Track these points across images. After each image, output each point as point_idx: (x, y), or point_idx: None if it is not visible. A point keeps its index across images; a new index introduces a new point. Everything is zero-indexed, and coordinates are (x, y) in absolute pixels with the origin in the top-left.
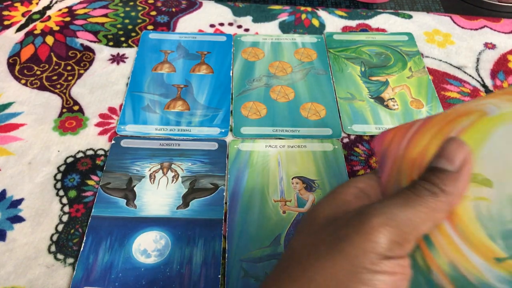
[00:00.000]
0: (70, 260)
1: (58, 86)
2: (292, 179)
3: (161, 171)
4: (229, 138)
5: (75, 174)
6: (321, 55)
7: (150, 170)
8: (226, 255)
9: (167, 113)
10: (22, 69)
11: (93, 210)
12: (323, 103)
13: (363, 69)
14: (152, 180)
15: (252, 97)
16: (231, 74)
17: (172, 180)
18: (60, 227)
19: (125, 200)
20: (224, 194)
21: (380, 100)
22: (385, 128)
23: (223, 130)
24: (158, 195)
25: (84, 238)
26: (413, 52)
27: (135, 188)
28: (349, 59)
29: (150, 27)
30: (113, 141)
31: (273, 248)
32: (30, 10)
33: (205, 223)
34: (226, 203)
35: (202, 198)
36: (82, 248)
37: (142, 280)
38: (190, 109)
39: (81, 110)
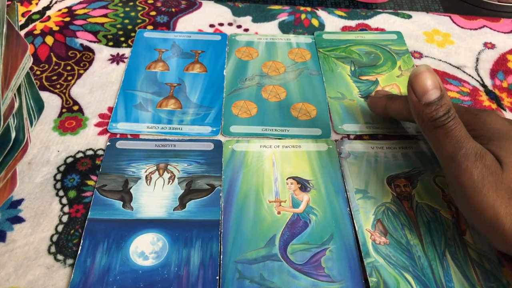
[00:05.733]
0: (70, 261)
1: (58, 86)
2: (287, 179)
3: (157, 172)
4: (224, 138)
5: (75, 174)
6: (314, 56)
7: (146, 171)
8: (221, 256)
9: (159, 111)
10: None
11: (89, 212)
12: (314, 104)
13: (353, 68)
14: (148, 181)
15: (243, 96)
16: (224, 73)
17: (168, 182)
18: (60, 228)
19: (122, 202)
20: (221, 194)
21: None
22: (375, 127)
23: (214, 129)
24: (155, 196)
25: (81, 241)
26: (403, 51)
27: (131, 190)
28: (339, 59)
29: (149, 27)
30: (108, 143)
31: (268, 249)
32: (30, 11)
33: (202, 224)
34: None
35: (199, 199)
36: (79, 251)
37: (140, 282)
38: (182, 107)
39: (80, 110)
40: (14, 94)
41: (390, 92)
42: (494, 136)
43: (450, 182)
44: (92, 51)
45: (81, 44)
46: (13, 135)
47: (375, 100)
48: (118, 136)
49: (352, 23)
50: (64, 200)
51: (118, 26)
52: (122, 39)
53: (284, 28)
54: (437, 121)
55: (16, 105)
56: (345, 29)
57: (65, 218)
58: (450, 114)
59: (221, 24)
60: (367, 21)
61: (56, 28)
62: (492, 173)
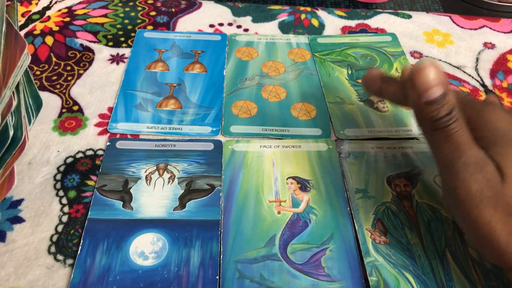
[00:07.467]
0: (70, 261)
1: (58, 86)
2: (287, 179)
3: (157, 172)
4: (224, 138)
5: (75, 175)
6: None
7: (146, 171)
8: (221, 256)
9: (159, 111)
10: None
11: (89, 212)
12: (314, 104)
13: (350, 72)
14: (148, 181)
15: (243, 96)
16: (224, 74)
17: (168, 182)
18: (60, 228)
19: (122, 202)
20: (221, 194)
21: (369, 103)
22: (377, 131)
23: (214, 129)
24: (155, 196)
25: (81, 241)
26: (398, 53)
27: (131, 190)
28: (335, 63)
29: (149, 27)
30: (108, 143)
31: (268, 248)
32: (30, 11)
33: (202, 224)
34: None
35: (199, 199)
36: (79, 251)
37: (140, 282)
38: (182, 107)
39: (80, 110)
40: (13, 92)
41: (384, 72)
42: (497, 140)
43: (445, 190)
44: (92, 51)
45: (81, 44)
46: (11, 133)
47: (369, 81)
48: (118, 136)
49: (352, 23)
50: (64, 200)
51: (118, 26)
52: (122, 39)
53: (284, 28)
54: (437, 123)
55: (15, 103)
56: (345, 29)
57: (65, 218)
58: (452, 115)
59: (221, 24)
60: (367, 21)
61: (56, 28)
62: (491, 187)
